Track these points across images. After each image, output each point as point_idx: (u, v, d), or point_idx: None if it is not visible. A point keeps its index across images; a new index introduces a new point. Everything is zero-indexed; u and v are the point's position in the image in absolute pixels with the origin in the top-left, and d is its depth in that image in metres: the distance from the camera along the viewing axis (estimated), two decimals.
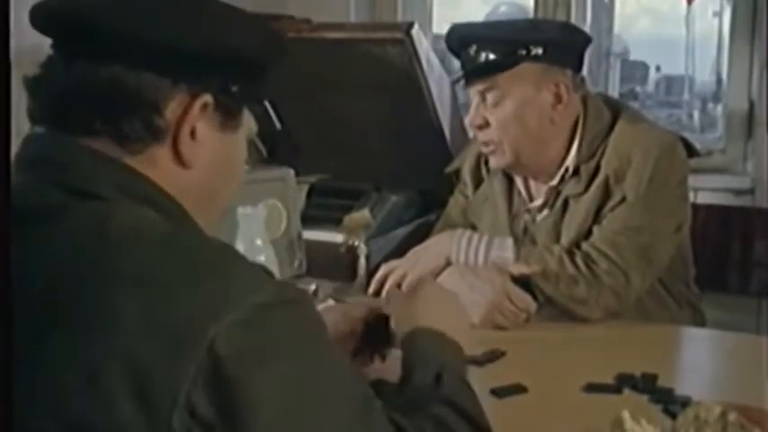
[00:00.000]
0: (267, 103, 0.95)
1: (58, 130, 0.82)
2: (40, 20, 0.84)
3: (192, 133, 0.83)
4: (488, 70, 1.67)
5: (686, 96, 2.98)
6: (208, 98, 0.83)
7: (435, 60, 2.11)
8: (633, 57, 3.05)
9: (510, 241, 1.68)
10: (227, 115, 0.86)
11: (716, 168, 2.44)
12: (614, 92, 2.82)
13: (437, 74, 2.11)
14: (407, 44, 1.99)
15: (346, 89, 2.19)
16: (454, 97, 2.22)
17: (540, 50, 1.66)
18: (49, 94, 0.82)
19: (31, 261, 0.74)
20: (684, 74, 2.96)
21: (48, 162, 0.80)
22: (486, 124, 1.70)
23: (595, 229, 1.64)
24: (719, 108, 2.70)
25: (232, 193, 0.94)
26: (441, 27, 2.91)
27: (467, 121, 1.79)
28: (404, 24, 2.04)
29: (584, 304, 1.57)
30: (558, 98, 1.68)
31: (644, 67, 3.10)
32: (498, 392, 1.21)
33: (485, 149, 1.75)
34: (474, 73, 1.70)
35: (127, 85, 0.79)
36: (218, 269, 0.74)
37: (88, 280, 0.72)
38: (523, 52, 1.66)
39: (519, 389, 1.24)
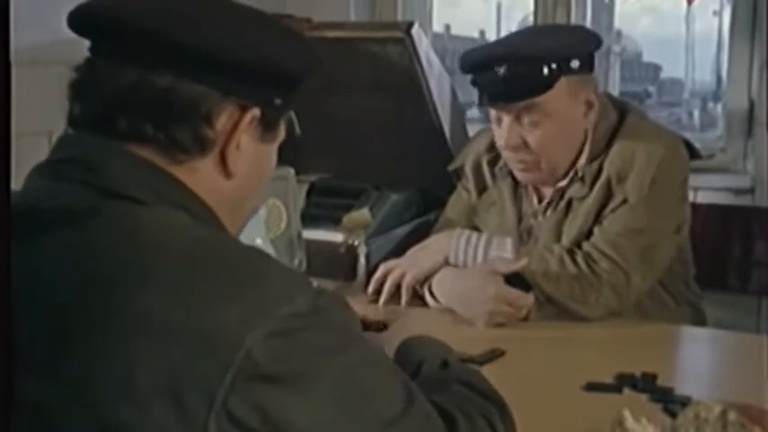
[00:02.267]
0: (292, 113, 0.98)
1: (100, 134, 0.81)
2: (85, 23, 0.84)
3: (238, 145, 0.84)
4: (529, 92, 1.60)
5: (686, 96, 2.98)
6: (256, 111, 0.85)
7: (435, 59, 2.11)
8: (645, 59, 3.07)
9: (509, 241, 1.68)
10: (268, 127, 0.88)
11: (716, 168, 2.44)
12: (614, 91, 2.83)
13: (437, 73, 2.10)
14: (407, 43, 1.99)
15: (346, 88, 2.18)
16: (454, 96, 2.22)
17: (577, 63, 1.62)
18: (95, 100, 0.82)
19: (61, 261, 0.74)
20: (684, 73, 2.96)
21: (85, 164, 0.80)
22: (525, 145, 1.65)
23: (596, 230, 1.64)
24: (719, 107, 2.70)
25: (257, 202, 0.96)
26: (441, 27, 2.92)
27: (501, 141, 1.68)
28: (404, 23, 2.03)
29: (584, 303, 1.57)
30: (590, 105, 1.66)
31: (655, 68, 3.11)
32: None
33: (517, 167, 1.70)
34: (510, 96, 1.62)
35: (181, 94, 0.80)
36: (255, 276, 0.74)
37: (121, 282, 0.72)
38: (563, 67, 1.61)
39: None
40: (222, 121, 0.83)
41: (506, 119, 1.64)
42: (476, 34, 3.13)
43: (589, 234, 1.65)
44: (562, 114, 1.63)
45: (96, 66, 0.83)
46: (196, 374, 0.69)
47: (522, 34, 1.82)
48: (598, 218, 1.65)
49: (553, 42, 1.66)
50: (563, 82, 1.61)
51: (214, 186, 0.85)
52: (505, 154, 1.70)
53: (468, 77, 1.70)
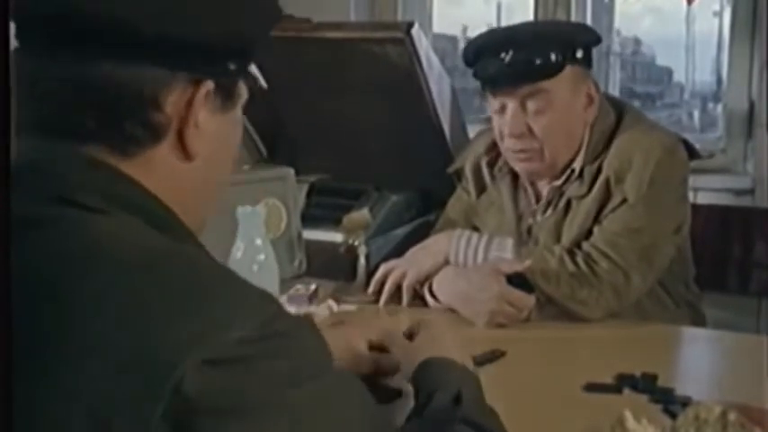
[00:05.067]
0: (253, 67, 0.90)
1: (45, 134, 0.73)
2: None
3: (196, 123, 0.76)
4: (537, 76, 1.62)
5: (686, 96, 2.98)
6: (210, 84, 0.76)
7: (435, 60, 2.11)
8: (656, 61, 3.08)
9: (509, 241, 1.67)
10: (227, 95, 0.80)
11: (716, 168, 2.44)
12: (614, 91, 2.83)
13: (437, 73, 2.10)
14: (407, 44, 1.99)
15: (346, 89, 2.19)
16: (454, 97, 2.22)
17: (581, 53, 1.65)
18: (33, 96, 0.73)
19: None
20: (684, 74, 2.96)
21: (32, 169, 0.71)
22: (529, 132, 1.66)
23: (596, 230, 1.64)
24: (719, 108, 2.70)
25: (227, 177, 0.87)
26: (441, 27, 2.92)
27: (498, 129, 1.70)
28: (404, 24, 2.03)
29: (584, 304, 1.57)
30: (590, 99, 1.68)
31: (668, 71, 3.11)
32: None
33: (517, 156, 1.70)
34: (517, 80, 1.63)
35: (123, 81, 0.72)
36: (204, 296, 0.66)
37: (66, 301, 0.65)
38: (569, 55, 1.63)
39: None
40: (173, 102, 0.74)
41: (511, 105, 1.65)
42: (476, 35, 3.13)
43: (589, 234, 1.65)
44: (565, 103, 1.65)
45: (25, 58, 0.72)
46: (127, 415, 0.61)
47: (523, 24, 1.88)
48: (598, 218, 1.65)
49: (557, 29, 1.73)
50: (568, 70, 1.64)
51: (173, 174, 0.77)
52: (508, 143, 1.69)
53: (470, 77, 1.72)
